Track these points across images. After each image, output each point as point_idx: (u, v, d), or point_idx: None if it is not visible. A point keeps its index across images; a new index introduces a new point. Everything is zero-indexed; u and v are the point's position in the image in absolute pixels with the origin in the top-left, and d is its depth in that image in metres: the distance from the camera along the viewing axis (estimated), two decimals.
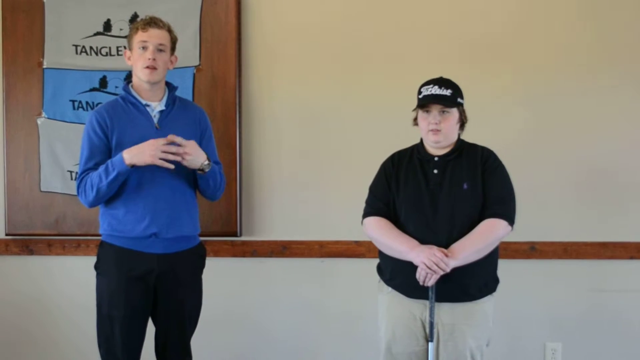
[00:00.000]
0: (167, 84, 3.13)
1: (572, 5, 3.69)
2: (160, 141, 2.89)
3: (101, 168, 2.93)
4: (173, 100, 3.13)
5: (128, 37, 3.09)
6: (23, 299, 3.98)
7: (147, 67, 2.98)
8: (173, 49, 3.10)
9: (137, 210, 2.97)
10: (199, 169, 3.02)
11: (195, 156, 2.97)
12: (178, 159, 2.91)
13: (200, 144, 3.10)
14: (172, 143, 2.91)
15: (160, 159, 2.88)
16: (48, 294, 3.96)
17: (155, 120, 3.04)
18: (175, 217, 3.02)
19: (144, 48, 2.99)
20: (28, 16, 3.87)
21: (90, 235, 3.78)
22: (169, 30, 3.07)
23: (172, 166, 2.90)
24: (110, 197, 3.00)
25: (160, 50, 3.01)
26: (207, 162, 3.02)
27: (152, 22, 3.02)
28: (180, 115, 3.11)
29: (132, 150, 2.89)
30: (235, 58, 3.78)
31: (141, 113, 3.04)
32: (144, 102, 3.04)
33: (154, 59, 2.98)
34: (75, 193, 3.13)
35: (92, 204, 3.03)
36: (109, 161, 2.93)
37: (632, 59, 3.68)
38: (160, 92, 3.09)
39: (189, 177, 3.08)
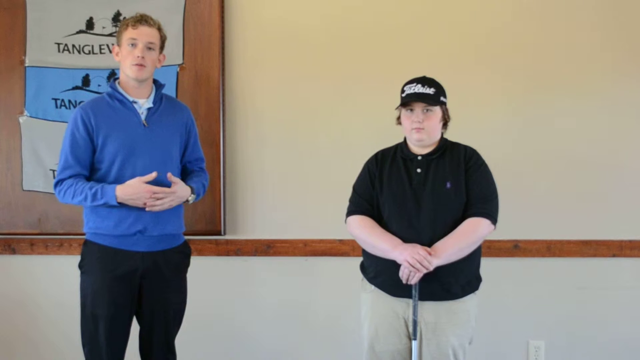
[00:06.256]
0: (154, 81, 3.13)
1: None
2: (153, 189, 2.91)
3: (90, 188, 2.93)
4: (160, 98, 3.12)
5: (117, 33, 3.08)
6: (5, 298, 3.95)
7: (136, 65, 2.97)
8: (162, 47, 3.11)
9: (121, 207, 2.96)
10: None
11: (180, 197, 3.04)
12: (167, 200, 2.97)
13: (187, 145, 3.17)
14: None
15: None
16: (30, 293, 3.93)
17: (143, 117, 3.04)
18: (160, 214, 3.01)
19: (133, 45, 2.98)
20: (10, 14, 3.85)
21: (73, 235, 3.76)
22: (159, 29, 3.07)
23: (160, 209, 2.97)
24: None
25: (150, 49, 3.01)
26: (191, 195, 3.10)
27: (143, 20, 3.01)
28: (167, 113, 3.12)
29: (126, 190, 2.90)
30: (219, 56, 3.77)
31: (129, 110, 3.03)
32: (131, 99, 3.03)
33: (143, 57, 2.98)
34: None
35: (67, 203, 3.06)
36: (100, 186, 2.93)
37: (613, 59, 3.70)
38: (148, 90, 3.08)
39: (174, 174, 3.07)
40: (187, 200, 3.09)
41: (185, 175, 3.20)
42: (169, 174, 3.00)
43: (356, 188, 3.03)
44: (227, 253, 3.83)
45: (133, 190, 2.90)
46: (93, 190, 2.92)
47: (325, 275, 3.82)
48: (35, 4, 3.84)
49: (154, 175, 2.90)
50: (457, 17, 3.74)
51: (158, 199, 2.95)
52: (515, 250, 3.72)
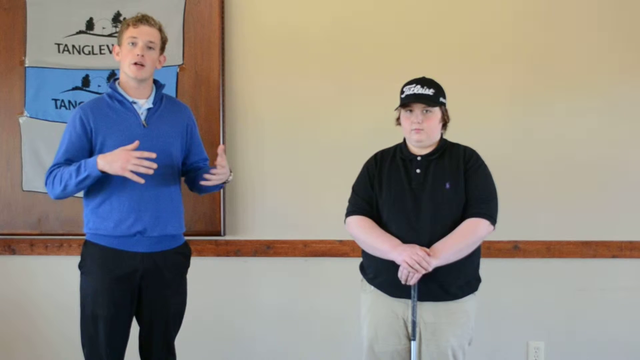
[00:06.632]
0: (155, 81, 3.12)
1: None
2: (134, 153, 2.83)
3: (74, 166, 2.90)
4: (160, 98, 3.12)
5: (118, 33, 3.07)
6: (4, 299, 3.95)
7: (135, 64, 2.96)
8: (162, 48, 3.10)
9: (122, 208, 2.96)
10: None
11: (226, 173, 3.05)
12: (150, 172, 2.85)
13: (191, 146, 3.17)
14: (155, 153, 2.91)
15: (132, 170, 2.82)
16: (30, 294, 3.94)
17: (143, 117, 3.03)
18: (161, 215, 3.01)
19: (134, 44, 2.98)
20: (10, 14, 3.86)
21: (73, 235, 3.77)
22: (160, 30, 3.06)
23: (142, 180, 2.84)
24: (95, 195, 2.98)
25: (150, 48, 3.00)
26: (231, 175, 3.11)
27: (144, 20, 3.01)
28: (167, 113, 3.11)
29: (107, 156, 2.85)
30: (219, 57, 3.77)
31: (128, 110, 3.02)
32: (130, 99, 3.02)
33: (142, 56, 2.97)
34: None
35: (58, 197, 3.01)
36: (83, 161, 2.90)
37: (615, 60, 3.70)
38: (148, 90, 3.08)
39: (175, 175, 3.08)
40: (227, 181, 3.11)
41: (193, 173, 3.19)
42: (221, 146, 3.02)
43: (355, 189, 3.02)
44: (227, 254, 3.83)
45: (112, 155, 2.84)
46: (76, 165, 2.90)
47: (325, 276, 3.82)
48: (35, 4, 3.84)
49: (136, 143, 2.83)
50: (458, 18, 3.74)
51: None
52: (515, 251, 3.72)
